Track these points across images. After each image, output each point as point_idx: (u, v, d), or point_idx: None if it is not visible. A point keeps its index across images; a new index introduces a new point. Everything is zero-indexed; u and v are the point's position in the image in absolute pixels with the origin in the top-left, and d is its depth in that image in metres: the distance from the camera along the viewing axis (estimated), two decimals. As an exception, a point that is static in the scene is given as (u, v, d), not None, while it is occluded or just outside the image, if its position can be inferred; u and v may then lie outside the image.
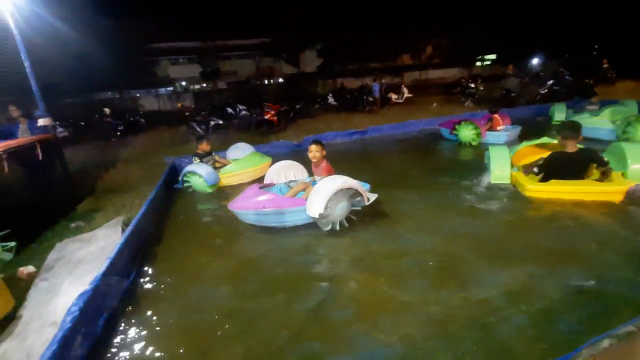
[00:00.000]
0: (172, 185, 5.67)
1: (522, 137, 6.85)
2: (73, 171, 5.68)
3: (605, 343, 1.42)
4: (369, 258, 2.96)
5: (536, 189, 3.87)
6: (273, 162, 4.83)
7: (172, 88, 30.60)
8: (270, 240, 3.49)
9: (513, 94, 11.82)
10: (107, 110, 13.60)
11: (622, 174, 3.82)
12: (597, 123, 6.70)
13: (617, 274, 2.45)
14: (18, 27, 4.81)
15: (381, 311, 2.28)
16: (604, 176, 3.68)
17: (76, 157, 7.28)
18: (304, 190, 3.83)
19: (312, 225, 3.53)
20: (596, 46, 21.18)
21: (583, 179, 3.73)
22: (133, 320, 2.43)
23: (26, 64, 4.90)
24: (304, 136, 8.49)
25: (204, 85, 31.10)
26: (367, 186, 3.95)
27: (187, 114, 14.75)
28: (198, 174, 5.21)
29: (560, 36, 21.61)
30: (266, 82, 30.35)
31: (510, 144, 6.00)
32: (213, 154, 5.91)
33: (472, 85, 14.78)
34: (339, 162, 6.31)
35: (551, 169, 3.82)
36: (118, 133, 12.64)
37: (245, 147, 6.43)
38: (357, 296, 2.47)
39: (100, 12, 17.11)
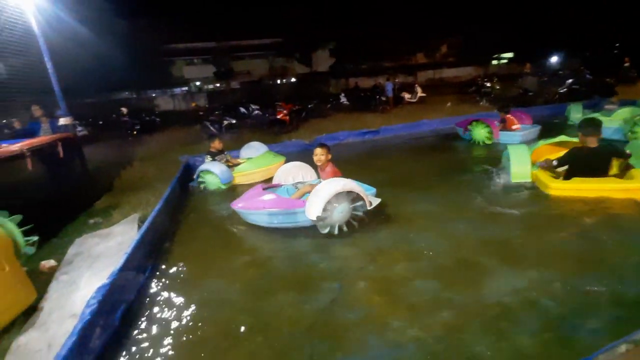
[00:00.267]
0: (186, 183, 5.78)
1: (541, 137, 6.70)
2: (92, 169, 5.86)
3: (622, 348, 1.38)
4: (381, 259, 2.95)
5: (559, 187, 3.76)
6: (286, 162, 4.87)
7: (186, 88, 31.14)
8: (282, 239, 3.52)
9: (530, 93, 11.55)
10: (124, 110, 13.96)
11: None
12: (608, 123, 6.52)
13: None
14: (41, 29, 4.99)
15: (392, 312, 2.27)
16: (626, 170, 3.61)
17: (95, 155, 7.49)
18: (309, 192, 3.83)
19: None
20: (617, 44, 20.46)
21: (607, 174, 3.64)
22: (149, 314, 2.49)
23: (48, 65, 5.08)
24: (315, 136, 8.52)
25: (218, 85, 31.53)
26: (373, 190, 3.85)
27: (201, 113, 15.02)
28: (212, 172, 5.30)
29: (581, 33, 20.97)
30: (279, 81, 30.54)
31: (527, 144, 5.87)
32: (225, 152, 6.00)
33: (488, 85, 14.52)
34: (349, 162, 6.34)
35: (574, 165, 3.74)
36: (134, 132, 12.96)
37: (259, 146, 6.50)
38: (368, 297, 2.47)
39: (119, 14, 17.52)
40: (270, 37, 29.02)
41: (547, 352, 1.86)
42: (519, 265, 2.66)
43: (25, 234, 3.43)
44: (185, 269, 3.11)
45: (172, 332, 2.28)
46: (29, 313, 2.57)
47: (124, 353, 2.12)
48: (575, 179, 3.68)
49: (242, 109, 14.30)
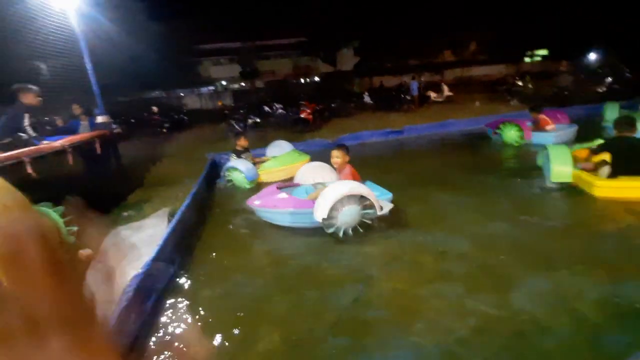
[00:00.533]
0: (213, 180, 5.96)
1: (577, 137, 6.37)
2: (125, 165, 6.17)
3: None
4: (404, 259, 2.92)
5: (606, 185, 3.58)
6: (310, 161, 4.90)
7: (213, 87, 31.96)
8: (305, 236, 3.56)
9: (566, 93, 10.98)
10: (154, 109, 14.57)
11: None
12: None
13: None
14: (82, 32, 5.30)
15: (415, 314, 2.25)
16: None
17: (128, 151, 7.88)
18: None
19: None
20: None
21: None
22: (178, 303, 2.61)
23: (88, 66, 5.39)
24: (338, 135, 8.53)
25: (243, 84, 32.16)
26: (389, 195, 3.71)
27: (227, 112, 15.40)
28: (239, 170, 5.44)
29: (622, 30, 19.62)
30: (303, 81, 30.72)
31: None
32: (250, 151, 6.13)
33: (520, 83, 13.94)
34: (371, 163, 6.30)
35: (616, 156, 3.61)
36: (164, 130, 13.49)
37: (285, 145, 6.59)
38: (390, 297, 2.46)
39: (152, 16, 18.29)
40: (295, 37, 29.25)
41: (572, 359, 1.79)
42: (550, 271, 2.56)
43: (66, 224, 3.69)
44: (211, 262, 3.23)
45: (197, 321, 2.38)
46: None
47: (154, 339, 2.24)
48: (622, 178, 3.51)
49: (266, 108, 14.53)
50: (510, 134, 6.61)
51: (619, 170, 3.57)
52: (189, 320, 2.40)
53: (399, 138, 8.59)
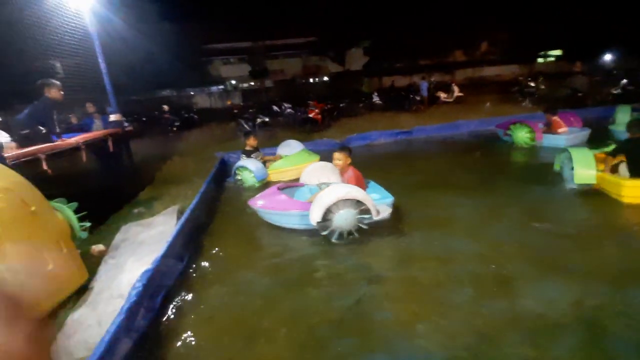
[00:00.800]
0: (221, 179, 6.02)
1: (589, 141, 6.25)
2: (136, 162, 6.27)
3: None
4: (412, 261, 2.91)
5: (635, 185, 3.51)
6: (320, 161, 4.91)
7: (223, 86, 32.21)
8: (313, 237, 3.56)
9: (580, 94, 10.76)
10: (165, 107, 14.75)
11: None
12: None
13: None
14: (96, 32, 5.40)
15: (421, 316, 2.24)
16: None
17: (139, 149, 8.00)
18: None
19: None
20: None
21: None
22: (186, 299, 2.65)
23: (102, 65, 5.50)
24: (347, 135, 8.52)
25: (252, 83, 32.33)
26: (390, 199, 3.65)
27: (236, 111, 15.51)
28: (248, 169, 5.49)
29: (637, 31, 19.11)
30: (311, 80, 30.75)
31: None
32: (260, 150, 6.17)
33: (532, 84, 13.70)
34: (379, 163, 6.28)
35: (632, 158, 3.60)
36: (174, 128, 13.66)
37: (296, 144, 6.62)
38: (397, 298, 2.45)
39: (164, 16, 18.56)
40: (304, 36, 29.31)
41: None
42: (562, 275, 2.52)
43: (80, 220, 3.77)
44: (218, 259, 3.27)
45: (205, 317, 2.42)
46: (81, 292, 2.82)
47: (164, 334, 2.28)
48: None
49: (275, 108, 14.58)
50: (521, 135, 6.53)
51: (636, 172, 3.53)
52: (197, 316, 2.44)
53: (408, 139, 8.54)
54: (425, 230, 3.43)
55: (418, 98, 13.40)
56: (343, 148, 3.63)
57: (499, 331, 2.05)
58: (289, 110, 13.74)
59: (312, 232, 3.60)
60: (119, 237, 3.88)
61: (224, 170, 6.14)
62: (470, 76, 29.17)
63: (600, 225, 3.29)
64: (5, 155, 3.37)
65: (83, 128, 6.71)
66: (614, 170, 3.79)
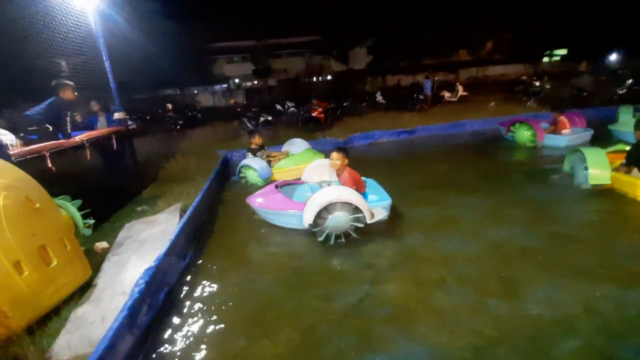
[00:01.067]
0: (224, 177, 6.03)
1: (593, 142, 6.20)
2: (140, 160, 6.30)
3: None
4: (413, 261, 2.91)
5: None
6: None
7: (226, 85, 32.28)
8: (313, 236, 3.57)
9: (585, 94, 10.67)
10: (169, 106, 14.80)
11: None
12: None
13: None
14: (100, 31, 5.43)
15: (421, 316, 2.24)
16: None
17: (142, 147, 8.04)
18: None
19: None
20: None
21: None
22: (189, 297, 2.67)
23: (106, 63, 5.52)
24: (350, 134, 8.51)
25: (256, 82, 32.37)
26: (387, 200, 3.58)
27: (239, 110, 15.51)
28: (253, 168, 5.50)
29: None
30: (315, 79, 30.74)
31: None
32: (265, 148, 6.18)
33: (537, 83, 13.60)
34: (381, 163, 6.27)
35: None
36: (178, 127, 13.70)
37: (301, 143, 6.59)
38: (397, 299, 2.45)
39: (168, 15, 18.60)
40: (308, 35, 29.30)
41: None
42: (565, 277, 2.50)
43: (83, 217, 3.80)
44: (221, 258, 3.27)
45: (207, 316, 2.43)
46: (85, 288, 2.85)
47: (166, 331, 2.29)
48: None
49: (278, 106, 14.57)
50: (523, 135, 6.50)
51: None
52: (199, 314, 2.45)
53: (411, 138, 8.51)
54: (428, 229, 3.43)
55: (422, 97, 13.35)
56: (340, 148, 3.54)
57: (499, 332, 2.04)
58: (292, 109, 13.73)
59: (312, 232, 3.61)
60: (122, 234, 3.90)
61: (227, 169, 6.16)
62: (474, 75, 29.05)
63: (603, 224, 3.26)
64: (10, 152, 3.41)
65: (87, 126, 6.74)
66: (628, 170, 3.77)
